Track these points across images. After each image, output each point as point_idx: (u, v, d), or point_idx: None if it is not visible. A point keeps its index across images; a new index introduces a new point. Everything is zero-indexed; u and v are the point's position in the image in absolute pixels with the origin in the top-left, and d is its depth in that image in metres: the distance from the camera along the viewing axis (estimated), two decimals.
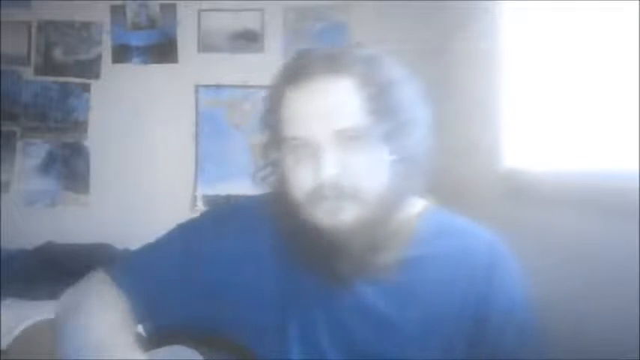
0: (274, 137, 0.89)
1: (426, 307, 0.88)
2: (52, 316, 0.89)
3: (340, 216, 0.84)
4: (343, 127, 0.83)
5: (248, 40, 2.73)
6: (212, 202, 2.66)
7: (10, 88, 2.71)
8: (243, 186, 2.63)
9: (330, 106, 0.83)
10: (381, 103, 0.84)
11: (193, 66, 2.72)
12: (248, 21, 2.73)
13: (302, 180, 0.85)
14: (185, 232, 0.98)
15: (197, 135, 2.72)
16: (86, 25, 2.74)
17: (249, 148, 2.71)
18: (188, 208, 2.67)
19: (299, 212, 0.86)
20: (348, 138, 0.83)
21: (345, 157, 0.83)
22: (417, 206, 0.93)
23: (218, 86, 2.72)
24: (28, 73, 2.73)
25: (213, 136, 2.72)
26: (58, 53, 2.74)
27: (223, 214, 1.01)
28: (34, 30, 2.74)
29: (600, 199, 1.17)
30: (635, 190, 1.02)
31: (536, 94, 1.62)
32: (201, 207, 2.68)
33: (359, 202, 0.84)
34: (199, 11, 2.73)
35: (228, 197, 2.65)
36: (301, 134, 0.84)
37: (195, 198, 2.70)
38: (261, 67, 2.68)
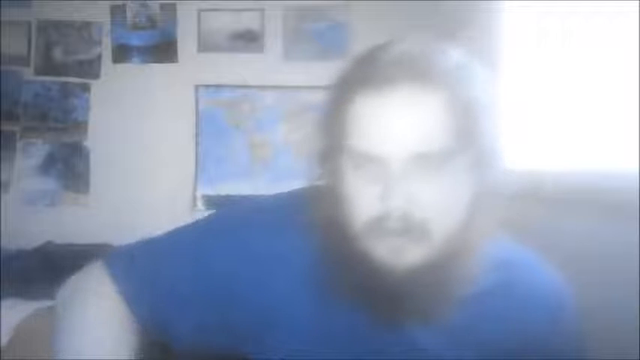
0: (333, 145, 0.74)
1: (484, 347, 0.77)
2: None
3: (403, 256, 0.70)
4: (426, 150, 0.68)
5: (248, 40, 2.73)
6: (212, 202, 2.66)
7: (10, 88, 2.71)
8: (243, 186, 2.65)
9: (414, 122, 0.69)
10: (471, 125, 0.70)
11: (193, 66, 2.72)
12: (248, 21, 2.73)
13: (364, 205, 0.71)
14: (201, 234, 0.84)
15: (197, 135, 2.72)
16: (86, 25, 2.74)
17: (249, 148, 2.71)
18: (188, 208, 2.66)
19: (352, 242, 0.72)
20: (430, 163, 0.69)
21: (421, 185, 0.69)
22: (480, 234, 0.76)
23: (218, 86, 2.72)
24: (28, 73, 2.73)
25: (213, 136, 2.72)
26: (58, 53, 2.74)
27: (249, 215, 0.85)
28: (34, 30, 2.73)
29: (600, 199, 1.17)
30: (635, 190, 1.02)
31: (537, 94, 1.61)
32: (201, 207, 2.68)
33: (427, 242, 0.70)
34: (199, 11, 2.73)
35: (228, 197, 2.65)
36: (372, 150, 0.69)
37: (195, 198, 2.70)
38: (261, 67, 2.70)
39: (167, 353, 0.84)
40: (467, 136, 0.70)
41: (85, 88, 2.73)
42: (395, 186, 0.68)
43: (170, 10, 2.74)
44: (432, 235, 0.70)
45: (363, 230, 0.71)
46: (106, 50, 2.74)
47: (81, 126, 2.73)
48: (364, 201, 0.71)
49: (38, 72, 2.74)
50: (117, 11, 2.74)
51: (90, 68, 2.74)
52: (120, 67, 2.74)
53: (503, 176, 0.74)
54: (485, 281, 0.76)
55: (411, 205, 0.68)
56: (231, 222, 0.85)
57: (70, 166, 2.73)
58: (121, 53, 2.74)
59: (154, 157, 2.70)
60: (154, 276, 0.82)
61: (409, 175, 0.68)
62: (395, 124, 0.69)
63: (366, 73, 0.71)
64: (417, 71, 0.69)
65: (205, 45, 2.74)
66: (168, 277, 0.81)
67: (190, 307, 0.80)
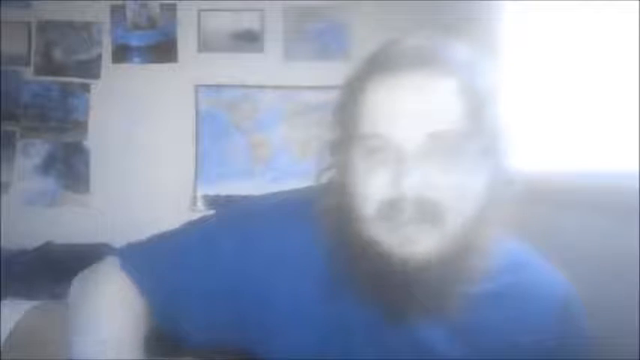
0: (346, 135, 0.74)
1: (495, 348, 0.76)
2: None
3: (415, 245, 0.69)
4: (439, 129, 0.68)
5: (248, 40, 2.73)
6: (212, 202, 2.66)
7: (10, 88, 2.71)
8: (243, 186, 2.65)
9: (425, 103, 0.69)
10: (482, 112, 0.70)
11: (193, 66, 2.73)
12: (248, 21, 2.73)
13: (375, 190, 0.70)
14: (210, 231, 0.85)
15: (197, 135, 2.72)
16: (86, 25, 2.74)
17: (249, 148, 2.71)
18: (188, 208, 2.66)
19: (363, 230, 0.72)
20: (442, 145, 0.68)
21: (434, 168, 0.68)
22: (486, 233, 0.76)
23: (218, 86, 2.72)
24: (28, 73, 2.73)
25: (213, 136, 2.72)
26: (58, 53, 2.74)
27: (256, 213, 0.85)
28: (34, 30, 2.74)
29: (600, 199, 1.17)
30: (635, 190, 1.02)
31: (537, 94, 1.61)
32: (201, 207, 2.68)
33: (442, 228, 0.69)
34: (199, 11, 2.73)
35: (228, 197, 2.65)
36: (383, 132, 0.69)
37: (195, 198, 2.70)
38: (261, 67, 2.70)
39: (178, 345, 0.85)
40: (478, 120, 0.70)
41: (85, 88, 2.73)
42: (409, 168, 0.68)
43: (170, 10, 2.74)
44: (445, 222, 0.69)
45: (375, 218, 0.70)
46: (106, 50, 2.74)
47: (81, 126, 2.73)
48: (377, 186, 0.70)
49: (38, 72, 2.74)
50: (117, 11, 2.74)
51: (90, 68, 2.74)
52: (120, 67, 2.74)
53: (509, 174, 0.75)
54: (495, 283, 0.76)
55: (425, 187, 0.68)
56: (240, 219, 0.86)
57: (70, 166, 2.73)
58: (121, 53, 2.75)
59: (154, 157, 2.70)
60: (166, 272, 0.83)
61: (422, 158, 0.68)
62: (406, 108, 0.69)
63: (377, 64, 0.73)
64: (428, 59, 0.70)
65: (205, 45, 2.74)
66: (179, 273, 0.82)
67: (200, 304, 0.81)
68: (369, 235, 0.72)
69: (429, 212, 0.68)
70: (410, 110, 0.69)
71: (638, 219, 1.01)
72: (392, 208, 0.69)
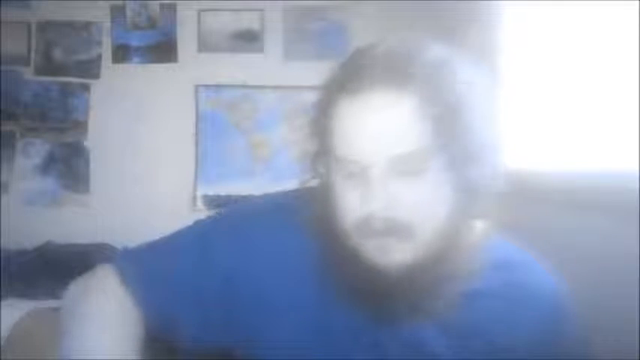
0: (322, 149, 0.77)
1: (486, 348, 0.77)
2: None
3: (392, 255, 0.72)
4: (401, 152, 0.70)
5: (248, 40, 2.73)
6: (212, 202, 2.66)
7: (10, 88, 2.71)
8: (243, 186, 2.65)
9: (388, 126, 0.70)
10: (449, 125, 0.70)
11: (193, 66, 2.73)
12: (248, 21, 2.73)
13: (349, 207, 0.73)
14: (204, 232, 0.86)
15: (197, 135, 2.72)
16: (86, 25, 2.74)
17: (249, 148, 2.71)
18: (188, 208, 2.66)
19: (344, 240, 0.75)
20: (407, 165, 0.70)
21: (400, 187, 0.70)
22: (475, 232, 0.78)
23: (218, 86, 2.72)
24: (28, 73, 2.74)
25: (213, 136, 2.72)
26: (58, 53, 2.74)
27: (250, 214, 0.87)
28: (34, 30, 2.74)
29: (600, 199, 1.17)
30: (635, 190, 1.02)
31: (537, 93, 1.61)
32: (201, 207, 2.68)
33: (413, 240, 0.71)
34: (199, 11, 2.73)
35: (228, 197, 2.65)
36: (351, 155, 0.72)
37: (195, 198, 2.70)
38: (261, 67, 2.71)
39: (173, 353, 0.85)
40: (445, 135, 0.70)
41: (85, 88, 2.73)
42: (374, 190, 0.70)
43: (170, 10, 2.74)
44: (417, 235, 0.72)
45: (352, 230, 0.73)
46: (106, 50, 2.74)
47: (81, 126, 2.73)
48: (349, 203, 0.73)
49: (38, 72, 2.74)
50: (117, 11, 2.74)
51: (90, 68, 2.74)
52: (120, 67, 2.74)
53: (500, 174, 0.75)
54: (484, 282, 0.77)
55: (392, 207, 0.70)
56: (233, 220, 0.87)
57: (70, 166, 2.73)
58: (121, 53, 2.74)
59: (154, 157, 2.70)
60: (161, 275, 0.83)
61: (388, 179, 0.70)
62: (371, 129, 0.71)
63: (345, 78, 0.73)
64: (393, 75, 0.70)
65: (205, 45, 2.74)
66: (174, 275, 0.83)
67: (195, 305, 0.82)
68: (350, 243, 0.74)
69: (398, 229, 0.71)
70: (374, 132, 0.70)
71: (638, 219, 1.01)
72: (364, 225, 0.72)
